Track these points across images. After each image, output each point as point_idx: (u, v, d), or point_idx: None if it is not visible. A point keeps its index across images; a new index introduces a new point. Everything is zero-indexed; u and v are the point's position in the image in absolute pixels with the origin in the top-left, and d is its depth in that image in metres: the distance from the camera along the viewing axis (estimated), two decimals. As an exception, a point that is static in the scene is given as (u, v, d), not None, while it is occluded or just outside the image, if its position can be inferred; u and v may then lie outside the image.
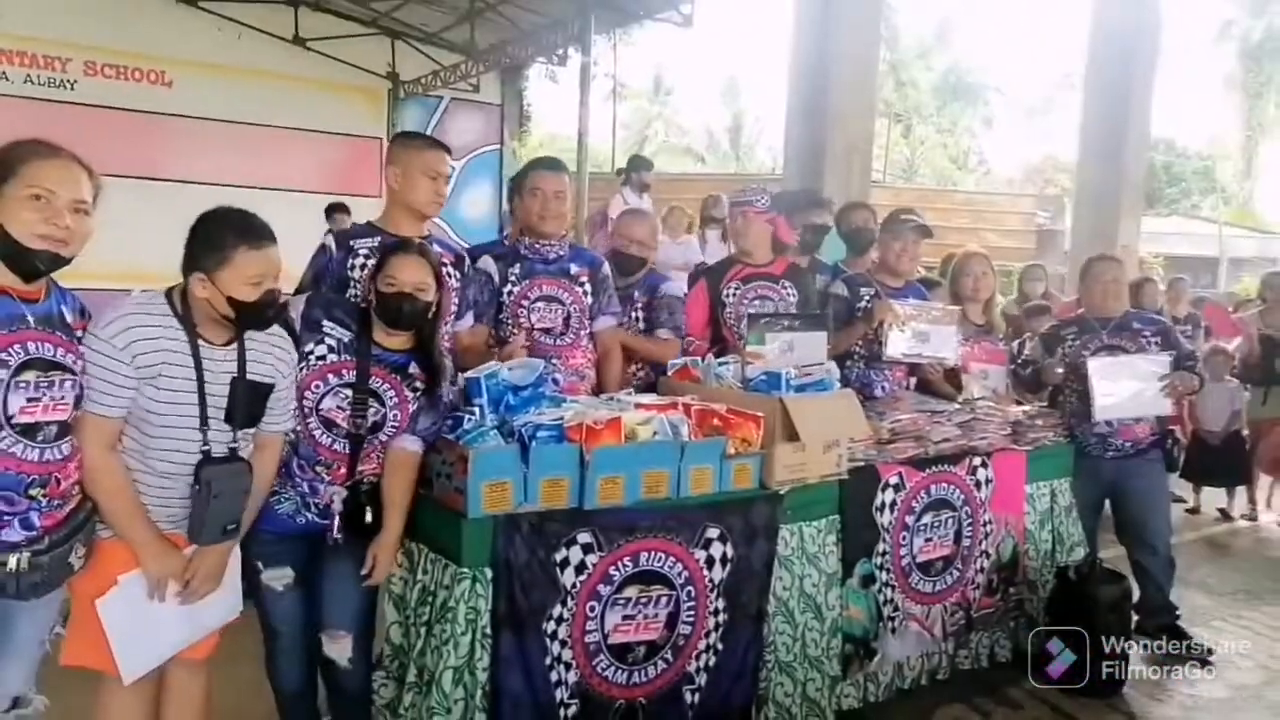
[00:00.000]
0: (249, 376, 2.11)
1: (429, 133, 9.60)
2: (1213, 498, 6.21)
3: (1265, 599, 4.28)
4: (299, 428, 2.32)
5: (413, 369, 2.41)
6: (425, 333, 2.42)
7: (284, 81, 8.90)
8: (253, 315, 2.05)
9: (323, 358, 2.32)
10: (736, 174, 21.16)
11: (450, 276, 2.86)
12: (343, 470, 2.36)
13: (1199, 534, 5.70)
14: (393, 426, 2.38)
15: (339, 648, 2.42)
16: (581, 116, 6.88)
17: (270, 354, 2.18)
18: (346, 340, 2.35)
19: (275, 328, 2.23)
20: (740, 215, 3.65)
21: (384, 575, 2.44)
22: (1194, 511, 6.14)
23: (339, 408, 2.32)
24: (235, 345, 2.11)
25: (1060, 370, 3.74)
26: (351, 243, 2.74)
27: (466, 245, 3.15)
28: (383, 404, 2.36)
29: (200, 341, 2.04)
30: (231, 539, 2.16)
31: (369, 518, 2.37)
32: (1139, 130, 8.43)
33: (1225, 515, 6.09)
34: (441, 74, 9.37)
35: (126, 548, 2.04)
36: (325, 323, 2.34)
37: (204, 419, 2.04)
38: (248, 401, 2.10)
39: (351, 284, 2.70)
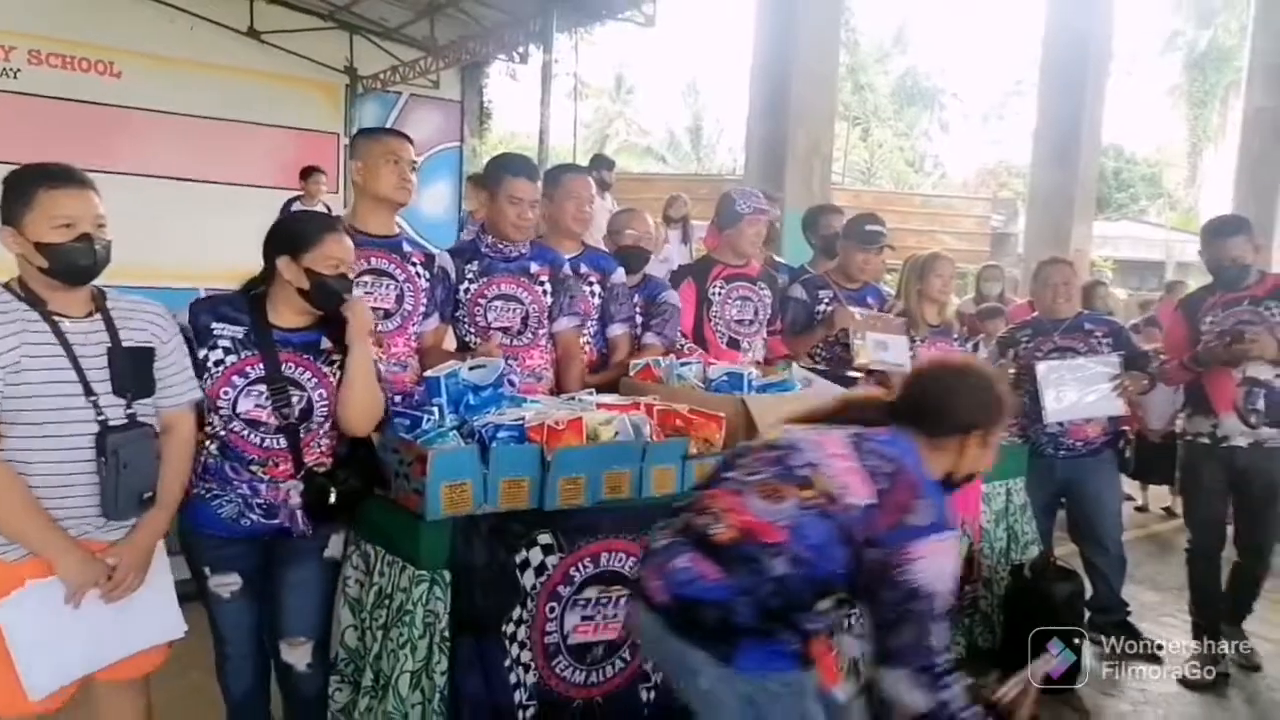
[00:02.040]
0: (124, 344, 1.99)
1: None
2: (1160, 496, 6.35)
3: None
4: (222, 432, 2.22)
5: (324, 344, 2.30)
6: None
7: (238, 75, 8.72)
8: (66, 260, 1.89)
9: (220, 362, 2.20)
10: (697, 174, 21.24)
11: (419, 276, 2.83)
12: (286, 467, 2.26)
13: (1145, 531, 5.84)
14: (323, 409, 2.27)
15: (298, 653, 2.36)
16: (543, 115, 6.86)
17: (141, 318, 2.04)
18: (240, 335, 2.23)
19: (141, 298, 2.09)
20: (759, 223, 3.60)
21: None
22: (1142, 509, 6.28)
23: (259, 406, 2.20)
24: (99, 315, 1.99)
25: (1012, 371, 3.78)
26: None
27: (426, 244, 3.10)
28: (302, 388, 2.24)
29: (56, 316, 1.92)
30: (149, 510, 2.03)
31: (333, 499, 2.27)
32: (1091, 135, 8.62)
33: (1170, 513, 6.23)
34: (400, 70, 9.26)
35: (29, 567, 1.91)
36: (214, 325, 2.22)
37: (88, 390, 1.92)
38: (131, 369, 1.98)
39: None
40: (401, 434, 2.44)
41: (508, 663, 2.45)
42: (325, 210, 6.64)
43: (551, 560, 2.49)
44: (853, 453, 1.79)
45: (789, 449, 1.87)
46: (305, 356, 2.27)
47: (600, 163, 7.63)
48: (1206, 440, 3.58)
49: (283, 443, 2.24)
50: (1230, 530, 3.69)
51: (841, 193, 12.62)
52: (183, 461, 2.13)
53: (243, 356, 2.21)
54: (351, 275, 2.29)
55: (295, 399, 2.22)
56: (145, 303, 2.09)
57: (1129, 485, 6.30)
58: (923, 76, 29.77)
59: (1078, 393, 3.64)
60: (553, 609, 2.52)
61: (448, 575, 2.34)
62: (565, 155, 13.01)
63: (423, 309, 2.84)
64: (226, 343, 2.21)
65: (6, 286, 1.95)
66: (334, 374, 2.29)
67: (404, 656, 2.29)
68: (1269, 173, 9.91)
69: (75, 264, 1.90)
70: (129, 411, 1.98)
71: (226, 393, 2.19)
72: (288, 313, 2.27)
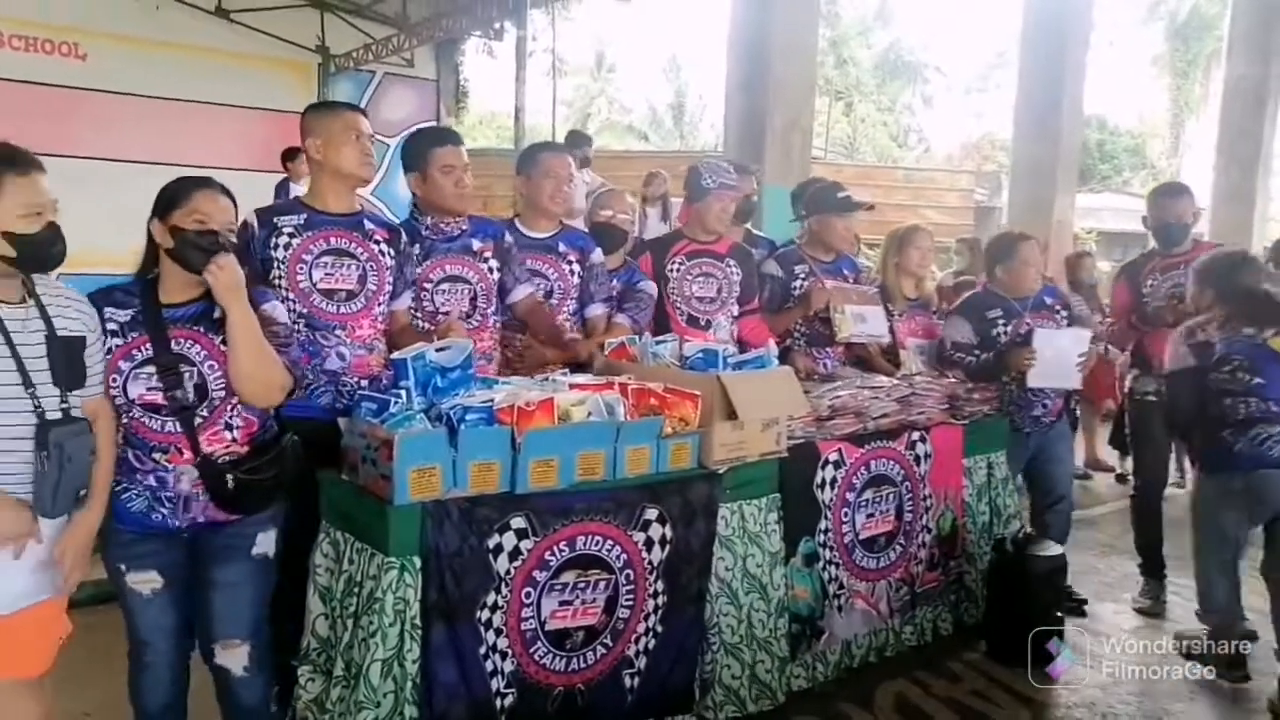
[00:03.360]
0: (59, 333, 1.93)
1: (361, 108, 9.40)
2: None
3: (1189, 563, 4.37)
4: (124, 420, 2.12)
5: (216, 313, 2.16)
6: None
7: (206, 55, 8.52)
8: (37, 250, 1.85)
9: (109, 347, 2.11)
10: (680, 151, 21.06)
11: (383, 255, 2.74)
12: (188, 454, 2.13)
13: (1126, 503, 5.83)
14: (218, 383, 2.15)
15: (234, 656, 2.25)
16: (518, 92, 6.74)
17: (70, 307, 1.99)
18: (128, 319, 2.12)
19: (64, 284, 2.03)
20: (725, 198, 3.55)
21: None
22: (1122, 479, 6.28)
23: (150, 389, 2.10)
24: (33, 302, 1.92)
25: (1029, 356, 3.59)
26: (275, 220, 2.61)
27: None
28: (191, 363, 2.13)
29: None
30: (81, 508, 1.99)
31: (231, 485, 2.14)
32: (1072, 107, 8.56)
33: (1122, 479, 6.23)
34: (373, 48, 9.07)
35: None
36: (105, 310, 2.11)
37: (27, 381, 1.86)
38: (66, 359, 1.92)
39: (274, 264, 2.56)
40: (368, 418, 2.38)
41: (483, 650, 2.41)
42: None
43: (526, 545, 2.44)
44: None
45: None
46: (195, 329, 2.16)
47: (578, 139, 7.52)
48: (1153, 398, 3.88)
49: (178, 427, 2.13)
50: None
51: (824, 167, 12.51)
52: (111, 450, 2.09)
53: (129, 339, 2.11)
54: (224, 233, 2.13)
55: (186, 376, 2.12)
56: (71, 289, 2.03)
57: (1111, 456, 6.37)
58: (905, 50, 29.56)
59: (1054, 364, 3.64)
60: (528, 594, 2.47)
61: (417, 561, 2.29)
62: (544, 133, 12.86)
63: (388, 288, 2.74)
64: (114, 326, 2.11)
65: None
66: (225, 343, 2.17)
67: (374, 645, 2.24)
68: (1250, 141, 9.91)
69: (47, 253, 1.87)
70: (63, 405, 1.91)
71: (115, 378, 2.10)
72: (175, 288, 2.16)
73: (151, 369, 2.10)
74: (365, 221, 2.74)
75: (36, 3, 7.80)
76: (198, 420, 2.14)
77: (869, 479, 3.28)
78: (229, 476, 2.15)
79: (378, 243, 2.73)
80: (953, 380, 3.65)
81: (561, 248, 3.26)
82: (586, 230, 3.51)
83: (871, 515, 3.29)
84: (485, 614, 2.40)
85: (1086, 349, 3.65)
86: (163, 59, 8.33)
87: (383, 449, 2.27)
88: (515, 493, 2.39)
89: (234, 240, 2.17)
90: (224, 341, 2.14)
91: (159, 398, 2.11)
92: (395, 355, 2.48)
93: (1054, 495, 3.92)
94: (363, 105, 9.47)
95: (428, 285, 2.92)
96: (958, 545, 3.58)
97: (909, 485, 3.39)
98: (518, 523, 2.41)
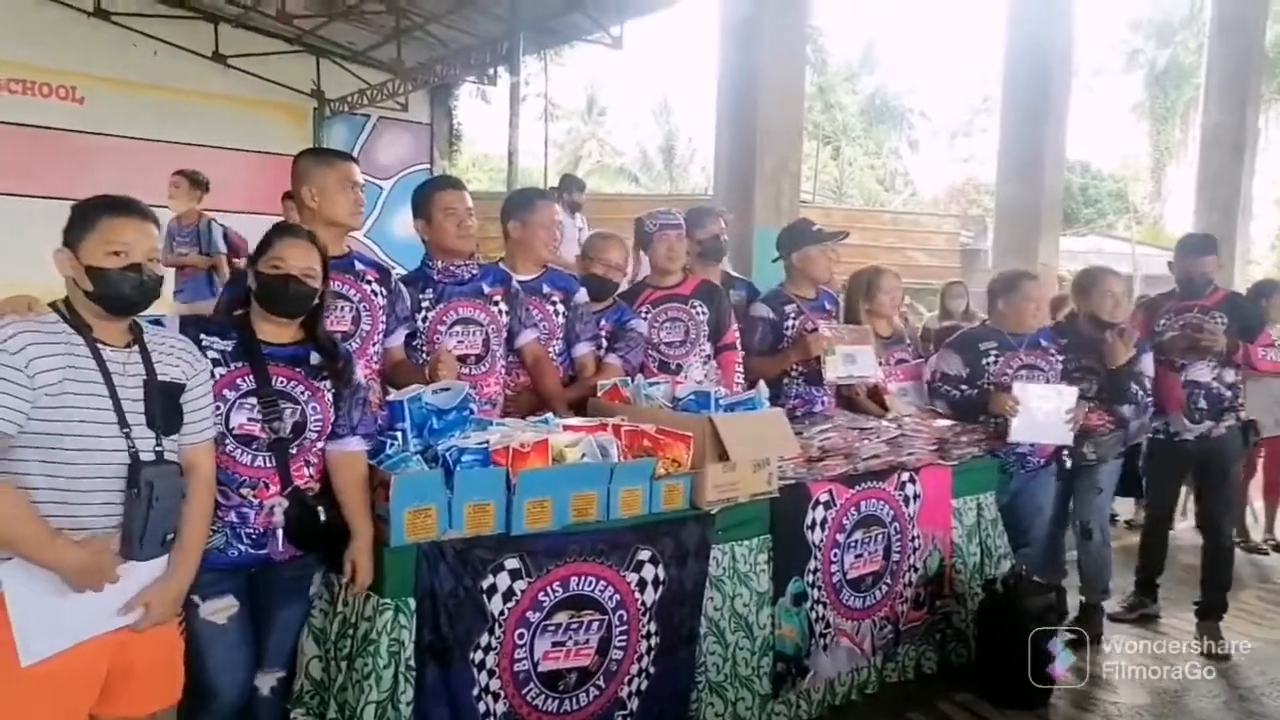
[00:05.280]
0: (159, 378, 1.98)
1: (357, 152, 9.51)
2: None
3: (1188, 607, 4.39)
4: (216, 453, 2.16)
5: (314, 359, 2.29)
6: (313, 321, 2.32)
7: (204, 99, 8.66)
8: (111, 287, 1.88)
9: (211, 375, 2.16)
10: (670, 194, 21.29)
11: (375, 295, 2.80)
12: (273, 489, 2.20)
13: (1119, 543, 5.85)
14: (316, 423, 2.26)
15: (265, 679, 2.31)
16: (511, 136, 6.85)
17: (174, 353, 2.05)
18: (230, 349, 2.21)
19: (175, 333, 2.11)
20: (668, 238, 3.64)
21: (368, 580, 2.28)
22: (1131, 525, 6.27)
23: (251, 420, 2.18)
24: (137, 347, 1.98)
25: (1013, 404, 3.61)
26: None
27: (397, 266, 3.11)
28: (295, 401, 2.23)
29: (99, 344, 1.91)
30: (168, 552, 1.98)
31: (323, 517, 2.23)
32: (1054, 151, 8.70)
33: (1131, 525, 6.25)
34: (368, 92, 9.23)
35: None
36: (203, 338, 2.19)
37: (123, 421, 1.89)
38: (164, 403, 1.97)
39: None
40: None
41: (476, 691, 2.41)
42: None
43: (520, 585, 2.45)
44: None
45: None
46: (296, 370, 2.26)
47: (571, 184, 7.63)
48: (1162, 436, 4.17)
49: (271, 461, 2.20)
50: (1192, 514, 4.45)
51: (812, 210, 12.65)
52: (210, 500, 2.11)
53: (233, 368, 2.20)
54: (300, 277, 2.22)
55: (288, 412, 2.21)
56: (177, 337, 2.11)
57: (1119, 504, 6.39)
58: (891, 96, 30.12)
59: (1041, 417, 3.65)
60: (522, 635, 2.48)
61: (412, 603, 2.30)
62: (537, 175, 13.02)
63: (383, 327, 2.81)
64: (216, 354, 2.19)
65: (54, 307, 1.93)
66: (327, 389, 2.28)
67: (369, 687, 2.25)
68: (1228, 186, 10.10)
69: (120, 291, 1.90)
70: (158, 447, 1.95)
71: (219, 406, 2.15)
72: (268, 327, 2.27)
73: (254, 400, 2.18)
74: (356, 263, 2.80)
75: (35, 47, 7.92)
76: (291, 456, 2.22)
77: (859, 519, 3.30)
78: (320, 508, 2.23)
79: (369, 283, 2.79)
80: (941, 422, 3.70)
81: (546, 289, 3.33)
82: (579, 274, 3.57)
83: (860, 555, 3.31)
84: (479, 655, 2.41)
85: (1074, 404, 3.65)
86: (160, 103, 8.46)
87: (379, 490, 2.30)
88: (510, 534, 2.41)
89: (313, 285, 2.26)
90: (326, 386, 2.28)
91: (256, 429, 2.18)
92: (392, 397, 2.52)
93: (1022, 540, 3.85)
94: (357, 148, 9.66)
95: (441, 328, 2.99)
96: (945, 585, 3.60)
97: (898, 525, 3.42)
98: (512, 563, 2.43)
